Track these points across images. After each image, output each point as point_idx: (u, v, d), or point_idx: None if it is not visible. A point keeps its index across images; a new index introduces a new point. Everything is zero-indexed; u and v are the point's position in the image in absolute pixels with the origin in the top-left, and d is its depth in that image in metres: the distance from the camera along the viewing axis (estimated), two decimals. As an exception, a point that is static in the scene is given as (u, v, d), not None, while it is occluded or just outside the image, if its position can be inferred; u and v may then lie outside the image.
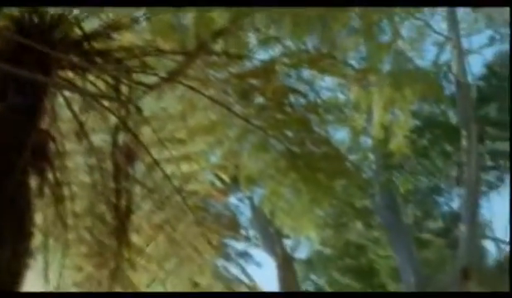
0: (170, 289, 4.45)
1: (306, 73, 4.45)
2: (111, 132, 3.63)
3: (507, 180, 12.86)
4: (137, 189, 4.07)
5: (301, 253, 13.93)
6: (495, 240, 13.49)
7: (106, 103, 3.66)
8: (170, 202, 4.36)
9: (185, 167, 4.36)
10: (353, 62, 4.59)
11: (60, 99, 3.66)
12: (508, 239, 13.30)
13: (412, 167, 12.88)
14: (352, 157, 11.15)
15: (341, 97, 7.45)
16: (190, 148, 4.36)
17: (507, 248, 13.12)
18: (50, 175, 3.56)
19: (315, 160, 4.22)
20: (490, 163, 12.57)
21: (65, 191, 3.71)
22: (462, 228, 10.89)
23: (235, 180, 4.84)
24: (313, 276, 14.54)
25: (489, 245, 13.46)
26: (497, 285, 9.11)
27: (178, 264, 4.33)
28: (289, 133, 4.43)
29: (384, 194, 12.29)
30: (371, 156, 12.66)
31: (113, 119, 3.69)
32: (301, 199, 4.62)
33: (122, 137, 3.64)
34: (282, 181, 4.55)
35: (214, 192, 4.57)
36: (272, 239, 10.75)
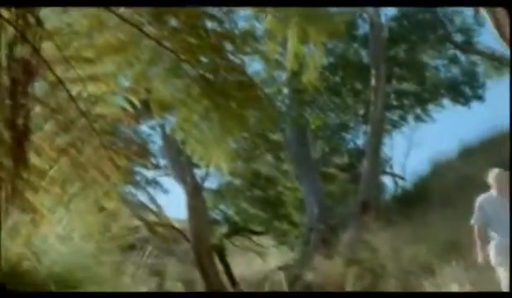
0: (74, 212, 4.33)
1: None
2: (7, 43, 3.34)
3: (409, 119, 13.62)
4: (39, 109, 3.83)
5: (212, 183, 14.15)
6: (393, 175, 14.41)
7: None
8: (75, 124, 4.16)
9: (92, 88, 4.15)
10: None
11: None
12: (404, 175, 14.25)
13: (323, 104, 13.21)
14: (266, 91, 11.22)
15: (258, 26, 7.39)
16: (98, 69, 4.14)
17: (403, 183, 14.09)
18: None
19: (228, 87, 4.18)
20: (394, 103, 13.18)
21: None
22: (365, 164, 11.47)
23: (147, 107, 4.70)
24: (222, 206, 14.86)
25: (387, 180, 14.37)
26: (392, 216, 9.77)
27: (83, 187, 4.20)
28: (203, 59, 4.33)
29: (295, 128, 12.59)
30: (285, 91, 12.82)
31: (10, 30, 3.39)
32: (212, 128, 4.59)
33: (20, 51, 3.36)
34: (194, 108, 4.48)
35: (123, 116, 4.41)
36: (183, 168, 10.75)
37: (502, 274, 5.20)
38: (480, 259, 5.27)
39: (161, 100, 4.49)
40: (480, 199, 5.51)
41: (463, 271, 5.11)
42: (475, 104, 12.88)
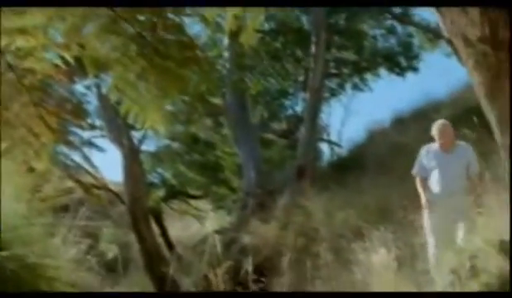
0: (3, 172, 4.15)
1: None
2: None
3: (347, 88, 13.91)
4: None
5: (149, 146, 13.95)
6: (330, 142, 14.76)
7: None
8: (2, 79, 3.94)
9: (20, 42, 3.92)
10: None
11: None
12: (340, 142, 14.61)
13: (263, 69, 13.22)
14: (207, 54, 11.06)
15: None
16: (28, 21, 3.90)
17: (339, 150, 14.47)
18: None
19: (166, 46, 4.06)
20: (333, 70, 13.38)
21: None
22: (302, 131, 11.66)
23: (82, 65, 4.51)
24: (160, 169, 14.73)
25: (324, 147, 14.71)
26: (327, 182, 10.04)
27: (11, 146, 4.01)
28: (141, 17, 4.18)
29: (234, 93, 12.56)
30: (225, 54, 12.71)
31: None
32: (149, 89, 4.47)
33: None
34: (130, 68, 4.34)
35: (54, 72, 4.21)
36: (119, 130, 10.51)
37: (431, 242, 5.32)
38: (422, 202, 5.37)
39: (95, 57, 4.30)
40: (423, 149, 5.55)
41: (391, 235, 5.34)
42: (408, 75, 13.34)
